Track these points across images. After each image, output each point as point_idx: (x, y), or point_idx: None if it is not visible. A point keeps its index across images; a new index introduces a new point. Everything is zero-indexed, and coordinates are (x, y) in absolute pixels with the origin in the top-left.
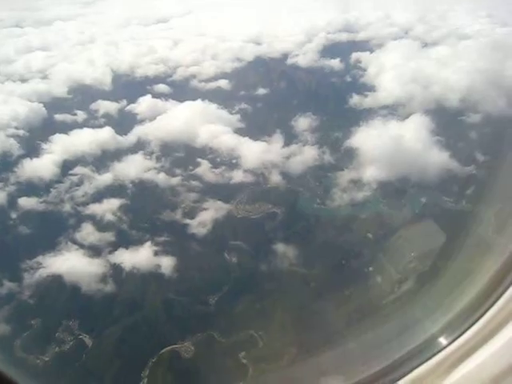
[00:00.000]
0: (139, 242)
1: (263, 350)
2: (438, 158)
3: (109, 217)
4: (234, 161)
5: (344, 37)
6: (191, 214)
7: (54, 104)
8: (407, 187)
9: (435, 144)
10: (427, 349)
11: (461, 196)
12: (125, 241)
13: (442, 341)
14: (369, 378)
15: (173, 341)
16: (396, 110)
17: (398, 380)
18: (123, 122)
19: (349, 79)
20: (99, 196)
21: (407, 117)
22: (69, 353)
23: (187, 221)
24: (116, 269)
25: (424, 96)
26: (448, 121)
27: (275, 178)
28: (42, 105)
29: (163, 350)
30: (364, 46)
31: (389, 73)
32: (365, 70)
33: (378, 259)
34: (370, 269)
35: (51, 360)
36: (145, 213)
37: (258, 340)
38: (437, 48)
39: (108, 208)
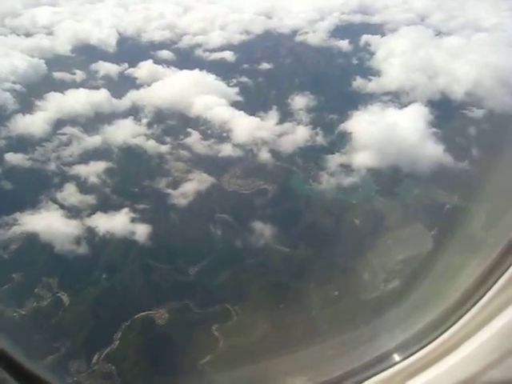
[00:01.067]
0: (118, 208)
1: (236, 324)
2: (431, 151)
3: (93, 179)
4: (224, 134)
5: (358, 18)
6: (175, 183)
7: (56, 61)
8: (397, 177)
9: (431, 136)
10: (397, 351)
11: (449, 191)
12: (105, 205)
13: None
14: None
15: (149, 307)
16: (398, 98)
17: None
18: (121, 86)
19: (355, 62)
20: (86, 158)
21: (407, 105)
22: (46, 309)
23: (170, 190)
24: (91, 232)
25: (428, 86)
26: (449, 113)
27: (264, 156)
28: (43, 61)
29: (138, 315)
30: (377, 29)
31: (396, 59)
32: (373, 53)
33: (363, 246)
34: (353, 254)
35: (28, 314)
36: (129, 179)
37: (233, 314)
38: (449, 38)
39: (93, 170)
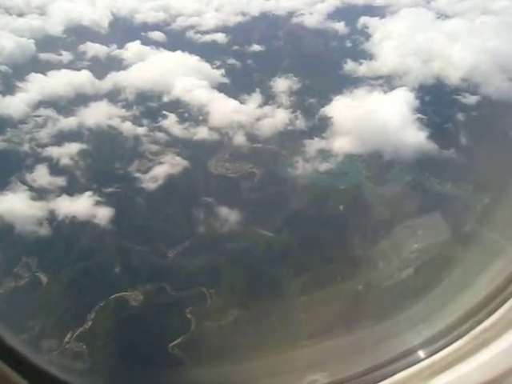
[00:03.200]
0: (85, 190)
1: (210, 307)
2: (413, 137)
3: (65, 161)
4: (201, 117)
5: (361, 1)
6: (146, 166)
7: (46, 42)
8: (376, 163)
9: (414, 122)
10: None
11: (426, 178)
12: (73, 187)
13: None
14: None
15: (125, 288)
16: (389, 82)
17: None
18: (106, 67)
19: (349, 44)
20: (61, 139)
21: (396, 90)
22: (24, 287)
23: (140, 174)
24: (53, 214)
25: (422, 70)
26: (440, 99)
27: (239, 139)
28: (32, 41)
29: (113, 296)
30: (378, 11)
31: (392, 42)
32: (370, 36)
33: (346, 231)
34: (337, 241)
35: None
36: (101, 161)
37: (207, 297)
38: (451, 21)
39: (67, 152)
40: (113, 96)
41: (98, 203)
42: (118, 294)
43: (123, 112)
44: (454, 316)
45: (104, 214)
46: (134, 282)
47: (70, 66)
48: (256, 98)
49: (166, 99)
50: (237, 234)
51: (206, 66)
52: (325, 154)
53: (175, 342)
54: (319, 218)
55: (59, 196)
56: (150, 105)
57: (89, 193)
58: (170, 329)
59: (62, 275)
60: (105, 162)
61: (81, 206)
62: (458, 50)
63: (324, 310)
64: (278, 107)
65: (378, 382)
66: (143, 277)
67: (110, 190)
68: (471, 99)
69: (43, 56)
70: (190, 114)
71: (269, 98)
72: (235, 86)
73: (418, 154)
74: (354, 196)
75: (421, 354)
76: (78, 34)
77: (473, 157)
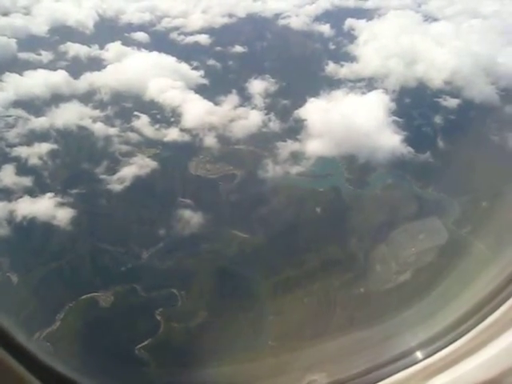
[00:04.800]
0: (50, 191)
1: (180, 309)
2: (387, 140)
3: (34, 161)
4: (173, 118)
5: (351, 3)
6: (114, 168)
7: (27, 42)
8: (349, 165)
9: (390, 125)
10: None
11: (397, 180)
12: (39, 188)
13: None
14: None
15: (95, 289)
16: (370, 85)
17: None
18: (84, 67)
19: (332, 47)
20: (31, 139)
21: (372, 92)
22: None
23: (106, 175)
24: (13, 215)
25: (404, 73)
26: (419, 102)
27: (210, 141)
28: (14, 41)
29: (83, 297)
30: (366, 14)
31: (376, 44)
32: (355, 38)
33: (323, 233)
34: (312, 243)
35: None
36: (70, 161)
37: (178, 299)
38: (438, 24)
39: (36, 152)
40: (87, 96)
41: (60, 204)
42: (88, 295)
43: (96, 112)
44: (452, 317)
45: (65, 216)
46: (106, 283)
47: (49, 66)
48: (233, 99)
49: (140, 100)
50: (212, 235)
51: (185, 67)
52: (297, 157)
53: (142, 344)
54: (296, 220)
55: (21, 197)
56: (124, 105)
57: (50, 194)
58: (138, 330)
59: (30, 276)
60: (73, 163)
61: (42, 206)
62: (442, 53)
63: (295, 312)
64: (253, 109)
65: (377, 382)
66: (115, 278)
67: (75, 191)
68: (452, 102)
69: (22, 56)
70: (162, 115)
71: (244, 100)
72: (213, 87)
73: (392, 157)
74: (332, 198)
75: (419, 354)
76: (62, 34)
77: (449, 160)
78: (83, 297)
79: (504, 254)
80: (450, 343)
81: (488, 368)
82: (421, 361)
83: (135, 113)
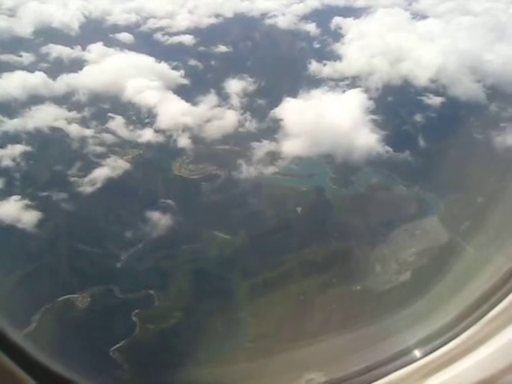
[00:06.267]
0: (20, 193)
1: (156, 310)
2: (365, 139)
3: (6, 163)
4: (147, 119)
5: (341, 2)
6: (87, 169)
7: (11, 43)
8: (322, 164)
9: (367, 123)
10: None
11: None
12: (7, 190)
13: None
14: None
15: (73, 291)
16: (353, 83)
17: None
18: (64, 69)
19: (317, 45)
20: (5, 141)
21: (351, 91)
22: None
23: (78, 178)
24: None
25: (388, 71)
26: (402, 100)
27: (183, 142)
28: None
29: (60, 298)
30: (355, 12)
31: (361, 43)
32: (342, 37)
33: (304, 233)
34: (293, 244)
35: None
36: (42, 163)
37: (155, 300)
38: (426, 22)
39: (9, 154)
40: (64, 98)
41: (27, 207)
42: (64, 297)
43: (72, 114)
44: (449, 316)
45: (32, 218)
46: (83, 285)
47: (29, 67)
48: (211, 99)
49: (117, 101)
50: (193, 235)
51: (165, 67)
52: (272, 157)
53: (117, 346)
54: (277, 221)
55: None
56: (101, 106)
57: (16, 197)
58: (113, 332)
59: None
60: (46, 164)
61: (7, 209)
62: (429, 51)
63: (273, 313)
64: (229, 109)
65: (375, 381)
66: (93, 279)
67: (44, 193)
68: (435, 100)
69: (3, 57)
70: (137, 115)
71: (222, 100)
72: (193, 88)
73: (368, 155)
74: (314, 198)
75: (417, 353)
76: (47, 35)
77: (430, 159)
78: (59, 299)
79: (500, 253)
80: (448, 342)
81: (486, 366)
82: (418, 359)
83: (110, 114)
